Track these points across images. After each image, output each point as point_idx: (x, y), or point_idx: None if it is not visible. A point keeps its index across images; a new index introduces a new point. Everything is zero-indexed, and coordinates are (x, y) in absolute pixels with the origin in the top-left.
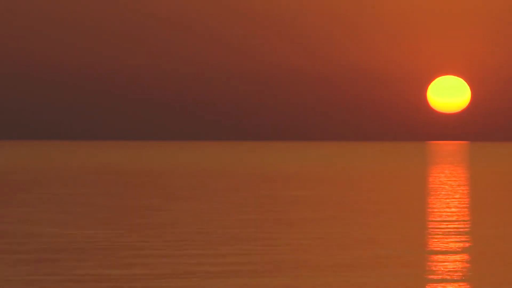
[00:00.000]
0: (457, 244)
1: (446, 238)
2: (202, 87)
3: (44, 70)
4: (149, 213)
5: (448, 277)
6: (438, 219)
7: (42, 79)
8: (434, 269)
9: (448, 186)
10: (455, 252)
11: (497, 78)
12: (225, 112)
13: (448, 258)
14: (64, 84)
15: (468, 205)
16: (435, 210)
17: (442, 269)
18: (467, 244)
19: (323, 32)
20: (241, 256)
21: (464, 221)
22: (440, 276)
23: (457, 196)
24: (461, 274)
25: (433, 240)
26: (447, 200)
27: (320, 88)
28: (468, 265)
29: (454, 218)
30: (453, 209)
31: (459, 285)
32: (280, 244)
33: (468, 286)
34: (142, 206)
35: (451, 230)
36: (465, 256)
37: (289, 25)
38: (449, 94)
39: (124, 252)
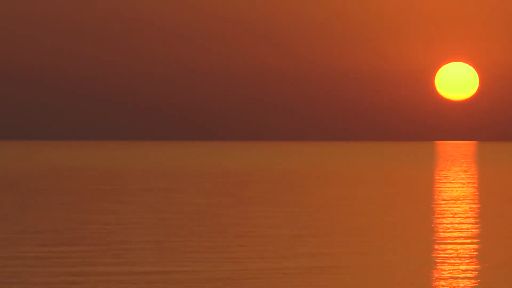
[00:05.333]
0: (466, 247)
1: (455, 244)
2: (184, 88)
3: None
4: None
5: (457, 282)
6: (446, 221)
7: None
8: (442, 271)
9: (458, 187)
10: (464, 257)
11: (505, 65)
12: (236, 113)
13: (456, 262)
14: (38, 85)
15: (477, 207)
16: (445, 212)
17: (450, 272)
18: (476, 247)
19: (325, 34)
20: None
21: (474, 224)
22: (448, 281)
23: (466, 198)
24: (470, 279)
25: (441, 244)
26: (456, 202)
27: (321, 89)
28: (477, 268)
29: (462, 221)
30: (461, 213)
31: None
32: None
33: None
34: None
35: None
36: (474, 261)
37: (293, 29)
38: (457, 80)
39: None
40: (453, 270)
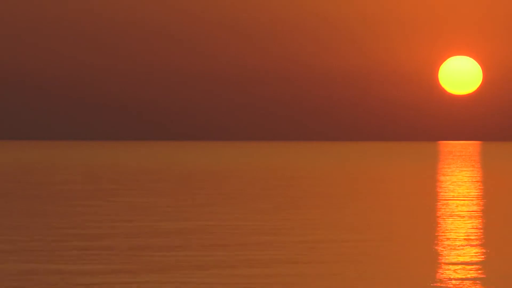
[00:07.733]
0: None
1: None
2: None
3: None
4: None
5: (461, 269)
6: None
7: None
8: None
9: (461, 186)
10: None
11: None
12: (233, 113)
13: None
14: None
15: (481, 205)
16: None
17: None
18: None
19: (328, 36)
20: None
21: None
22: (451, 271)
23: (470, 196)
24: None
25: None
26: (459, 200)
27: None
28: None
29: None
30: (465, 211)
31: (473, 273)
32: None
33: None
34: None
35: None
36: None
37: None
38: (460, 75)
39: None
40: (455, 261)
